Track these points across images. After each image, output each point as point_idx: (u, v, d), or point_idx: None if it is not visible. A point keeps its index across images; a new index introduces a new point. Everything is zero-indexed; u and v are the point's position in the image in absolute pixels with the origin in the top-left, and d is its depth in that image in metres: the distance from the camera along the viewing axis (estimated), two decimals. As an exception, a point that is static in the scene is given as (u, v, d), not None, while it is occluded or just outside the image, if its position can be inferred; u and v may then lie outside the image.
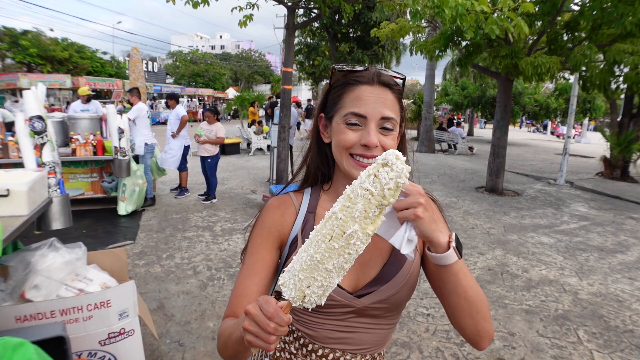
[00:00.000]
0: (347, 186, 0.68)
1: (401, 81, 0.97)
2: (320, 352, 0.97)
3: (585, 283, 4.37)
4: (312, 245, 0.67)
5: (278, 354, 1.03)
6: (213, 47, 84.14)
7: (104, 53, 34.18)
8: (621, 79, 7.27)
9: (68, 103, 20.92)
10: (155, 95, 30.85)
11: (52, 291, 2.18)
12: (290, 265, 0.71)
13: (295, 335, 1.01)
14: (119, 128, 5.50)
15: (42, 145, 2.69)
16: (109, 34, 46.69)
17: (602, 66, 7.20)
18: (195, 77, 45.44)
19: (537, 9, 6.88)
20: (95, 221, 5.71)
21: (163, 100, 28.56)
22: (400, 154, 0.66)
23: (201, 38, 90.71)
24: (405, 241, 0.73)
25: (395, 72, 0.96)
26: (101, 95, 26.60)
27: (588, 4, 6.72)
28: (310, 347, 0.98)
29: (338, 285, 0.88)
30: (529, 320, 3.50)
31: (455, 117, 24.87)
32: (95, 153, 5.90)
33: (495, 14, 4.56)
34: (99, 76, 28.27)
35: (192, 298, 3.62)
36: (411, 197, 0.74)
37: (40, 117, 2.66)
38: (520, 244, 5.51)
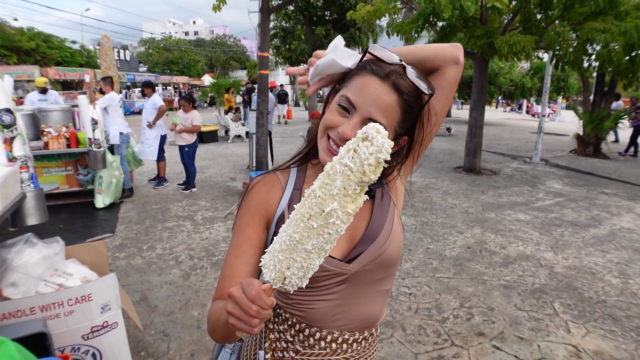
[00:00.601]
0: (328, 164, 0.65)
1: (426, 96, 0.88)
2: (317, 335, 0.96)
3: (560, 257, 4.51)
4: (291, 224, 0.65)
5: (274, 344, 1.01)
6: (187, 33, 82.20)
7: (73, 42, 33.07)
8: (593, 57, 7.42)
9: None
10: (128, 84, 30.06)
11: (30, 288, 2.14)
12: (270, 246, 0.70)
13: (290, 323, 0.99)
14: (93, 119, 5.36)
15: (12, 139, 2.61)
16: (77, 22, 45.09)
17: (575, 44, 7.32)
18: (169, 65, 44.43)
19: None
20: (72, 215, 5.59)
21: (137, 89, 27.92)
22: (381, 127, 0.61)
23: (174, 24, 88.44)
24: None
25: (424, 83, 0.86)
26: (72, 85, 25.82)
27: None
28: (307, 331, 0.97)
29: (329, 255, 0.89)
30: (507, 295, 3.61)
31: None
32: (68, 145, 5.74)
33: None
34: (69, 66, 27.38)
35: (175, 288, 3.60)
36: None
37: (8, 110, 2.57)
38: (498, 221, 5.64)
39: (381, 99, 0.83)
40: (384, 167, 0.61)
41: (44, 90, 8.05)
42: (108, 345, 2.34)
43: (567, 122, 25.58)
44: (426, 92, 0.86)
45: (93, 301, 2.21)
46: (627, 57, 6.90)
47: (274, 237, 0.70)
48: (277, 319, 1.03)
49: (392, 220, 0.98)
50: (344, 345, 0.98)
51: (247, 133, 12.95)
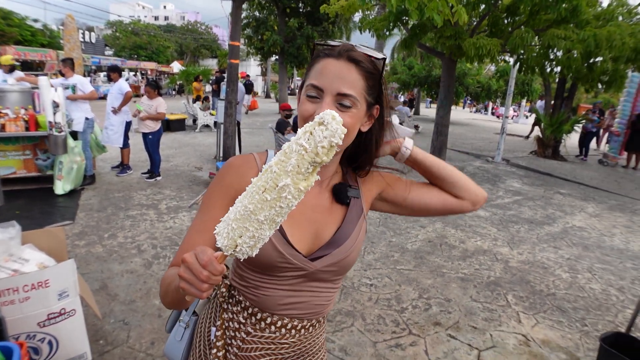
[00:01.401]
0: (286, 143, 0.69)
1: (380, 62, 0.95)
2: (268, 320, 1.00)
3: (516, 252, 4.73)
4: (247, 196, 0.68)
5: (227, 324, 1.05)
6: (156, 18, 79.88)
7: (35, 21, 31.48)
8: (554, 62, 7.74)
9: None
10: (93, 67, 28.98)
11: (-18, 272, 2.07)
12: (225, 215, 0.71)
13: (243, 305, 1.02)
14: (54, 102, 5.18)
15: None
16: (40, 0, 42.96)
17: (538, 50, 7.61)
18: (137, 50, 43.11)
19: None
20: (30, 201, 5.39)
21: (102, 74, 26.96)
22: (337, 115, 0.66)
23: (143, 8, 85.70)
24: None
25: (374, 51, 0.94)
26: (33, 67, 24.65)
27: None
28: (258, 315, 1.01)
29: (294, 248, 0.94)
30: (463, 287, 3.76)
31: (403, 96, 25.43)
32: (27, 129, 5.52)
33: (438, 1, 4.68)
34: (30, 46, 26.10)
35: (136, 277, 3.55)
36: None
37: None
38: (459, 217, 5.83)
39: (342, 73, 0.88)
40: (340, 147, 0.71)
41: (11, 69, 7.67)
42: (65, 333, 2.30)
43: (528, 124, 26.52)
44: (378, 57, 0.94)
45: (50, 287, 2.16)
46: (586, 64, 7.24)
47: (230, 208, 0.72)
48: (231, 300, 1.06)
49: (359, 232, 1.03)
50: (292, 331, 1.03)
51: (215, 123, 12.79)
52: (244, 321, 1.03)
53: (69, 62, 6.30)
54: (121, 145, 6.67)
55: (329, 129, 0.64)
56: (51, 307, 2.20)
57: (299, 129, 0.68)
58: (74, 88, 6.04)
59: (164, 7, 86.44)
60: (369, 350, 2.76)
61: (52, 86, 5.40)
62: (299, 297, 1.00)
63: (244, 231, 0.67)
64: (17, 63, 8.30)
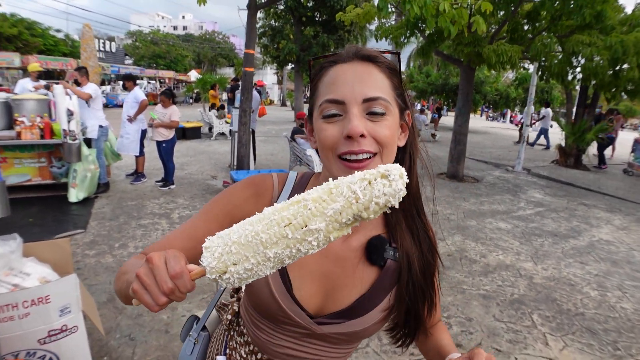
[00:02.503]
0: (331, 179, 0.58)
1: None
2: None
3: (540, 267, 4.50)
4: (263, 222, 0.56)
5: (231, 353, 0.96)
6: (175, 28, 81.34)
7: (57, 31, 32.40)
8: (578, 69, 7.49)
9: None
10: (112, 76, 29.49)
11: (-19, 287, 1.99)
12: (226, 231, 0.59)
13: (245, 339, 0.93)
14: (68, 110, 5.18)
15: None
16: (63, 11, 44.18)
17: (560, 56, 7.38)
18: (155, 59, 43.84)
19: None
20: (43, 209, 5.38)
21: (121, 82, 27.41)
22: (405, 173, 0.56)
23: (163, 18, 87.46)
24: None
25: (383, 49, 0.82)
26: (54, 75, 25.18)
27: (548, -5, 6.85)
28: (259, 355, 0.91)
29: (299, 305, 0.79)
30: (485, 305, 3.56)
31: (420, 104, 25.21)
32: (42, 136, 5.53)
33: (455, 9, 4.54)
34: (52, 55, 26.73)
35: (146, 289, 3.45)
36: None
37: None
38: (479, 229, 5.62)
39: (361, 75, 0.73)
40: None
41: (38, 76, 7.79)
42: (67, 350, 2.20)
43: (551, 132, 25.97)
44: (392, 51, 0.82)
45: (51, 303, 2.07)
46: (611, 71, 6.98)
47: (234, 225, 0.60)
48: (237, 329, 0.97)
49: (387, 304, 0.83)
50: None
51: (230, 131, 12.79)
52: (245, 356, 0.92)
53: (83, 71, 6.31)
54: (137, 154, 6.65)
55: (392, 186, 0.54)
56: (52, 324, 2.10)
57: (356, 172, 0.57)
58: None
59: (183, 17, 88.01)
60: (385, 374, 2.59)
61: (67, 94, 5.41)
62: (302, 351, 0.86)
63: (243, 260, 0.56)
64: (44, 70, 8.47)
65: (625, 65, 6.86)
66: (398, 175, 0.55)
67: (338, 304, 0.82)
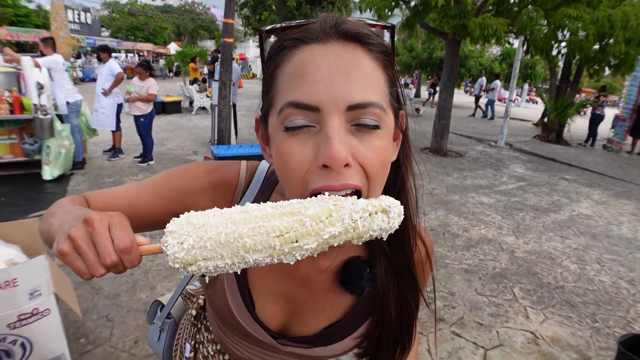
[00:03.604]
0: (327, 199, 0.51)
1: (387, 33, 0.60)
2: None
3: (521, 242, 4.54)
4: (249, 226, 0.49)
5: (199, 347, 0.90)
6: (153, -2, 78.49)
7: (29, 1, 30.89)
8: (563, 44, 7.43)
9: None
10: (88, 49, 28.44)
11: (-58, 269, 1.88)
12: (198, 219, 0.50)
13: (212, 337, 0.87)
14: (38, 83, 4.93)
15: None
16: (33, -22, 41.97)
17: (546, 30, 7.30)
18: (133, 31, 42.30)
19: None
20: (16, 187, 5.17)
21: (95, 56, 26.51)
22: (402, 211, 0.52)
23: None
24: None
25: (372, 20, 0.59)
26: (26, 48, 24.15)
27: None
28: (227, 356, 0.84)
29: (260, 324, 0.70)
30: (468, 280, 3.57)
31: (402, 78, 25.01)
32: (12, 112, 5.27)
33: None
34: (24, 27, 25.56)
35: (124, 267, 3.36)
36: None
37: None
38: (462, 204, 5.64)
39: (345, 67, 0.51)
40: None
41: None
42: (39, 334, 2.12)
43: (531, 108, 26.22)
44: (386, 24, 0.60)
45: (19, 287, 1.97)
46: (597, 46, 6.94)
47: (212, 220, 0.50)
48: (205, 322, 0.90)
49: (360, 332, 0.72)
50: None
51: (211, 105, 12.50)
52: (213, 354, 0.85)
53: (49, 42, 5.90)
54: (113, 129, 6.42)
55: (390, 223, 0.52)
56: (22, 308, 2.01)
57: (361, 200, 0.51)
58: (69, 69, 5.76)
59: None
60: (368, 350, 2.58)
61: (37, 66, 5.13)
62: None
63: (217, 258, 0.49)
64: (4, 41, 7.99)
65: (611, 40, 6.83)
66: (397, 213, 0.52)
67: (304, 329, 0.73)
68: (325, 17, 0.55)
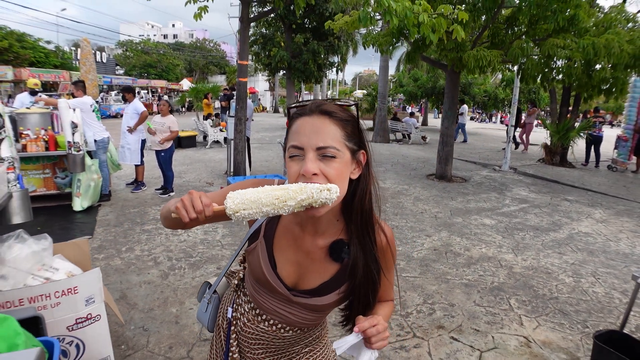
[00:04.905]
0: (304, 183, 0.92)
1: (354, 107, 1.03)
2: (264, 316, 1.19)
3: (520, 258, 4.83)
4: (264, 193, 0.91)
5: (237, 307, 1.28)
6: (165, 37, 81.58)
7: (48, 42, 32.50)
8: (555, 71, 7.87)
9: (10, 96, 19.84)
10: (105, 87, 29.68)
11: (19, 281, 2.27)
12: (242, 191, 0.91)
13: (247, 299, 1.25)
14: (72, 122, 5.45)
15: (0, 140, 2.74)
16: (53, 22, 44.21)
17: (538, 59, 7.76)
18: (147, 68, 44.01)
19: (479, 4, 7.33)
20: (49, 218, 5.63)
21: (113, 93, 27.65)
22: (338, 190, 0.91)
23: (152, 27, 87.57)
24: (371, 358, 1.02)
25: (346, 100, 1.03)
26: (47, 87, 25.36)
27: (526, 2, 7.21)
28: (257, 310, 1.21)
29: (279, 278, 1.12)
30: (467, 293, 3.88)
31: (409, 107, 25.64)
32: (47, 148, 5.80)
33: (434, 18, 4.88)
34: (43, 67, 26.89)
35: (154, 287, 3.74)
36: (381, 334, 0.98)
37: (-2, 114, 2.70)
38: (464, 225, 5.95)
39: (316, 127, 0.95)
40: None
41: (33, 92, 8.07)
42: (91, 337, 2.48)
43: (537, 132, 26.48)
44: (350, 103, 1.03)
45: (78, 294, 2.35)
46: (585, 72, 7.36)
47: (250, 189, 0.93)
48: (243, 290, 1.29)
49: (341, 291, 1.10)
50: (282, 331, 1.19)
51: (225, 139, 13.07)
52: (248, 310, 1.24)
53: (80, 85, 6.52)
54: (138, 163, 6.93)
55: (331, 195, 0.91)
56: (79, 312, 2.38)
57: (316, 183, 0.92)
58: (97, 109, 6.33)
59: (173, 25, 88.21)
60: (375, 352, 2.90)
61: (70, 107, 5.67)
62: (286, 311, 1.16)
63: (249, 208, 0.90)
64: (39, 89, 8.68)
65: (598, 66, 7.24)
66: (335, 191, 0.91)
67: (307, 284, 1.12)
68: (314, 101, 1.01)
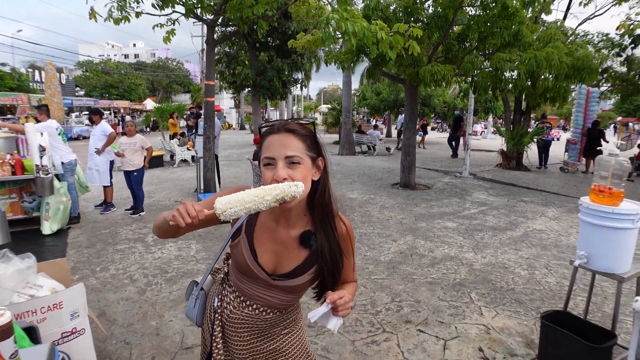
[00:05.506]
0: (274, 184, 1.15)
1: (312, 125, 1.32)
2: (248, 302, 1.41)
3: (480, 256, 5.18)
4: (246, 194, 1.13)
5: (223, 297, 1.48)
6: (126, 56, 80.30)
7: (3, 64, 31.55)
8: (503, 83, 8.44)
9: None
10: (65, 109, 28.93)
11: (4, 299, 2.36)
12: (230, 195, 1.14)
13: (232, 289, 1.46)
14: (40, 146, 5.47)
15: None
16: (8, 44, 42.90)
17: (488, 72, 8.32)
18: (108, 89, 43.17)
19: (432, 23, 7.84)
20: (18, 243, 5.55)
21: (74, 115, 27.06)
22: (302, 186, 1.14)
23: (112, 46, 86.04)
24: (337, 324, 1.25)
25: (306, 119, 1.33)
26: (3, 111, 24.53)
27: (475, 19, 7.76)
28: (242, 298, 1.42)
29: (260, 265, 1.35)
30: (432, 290, 4.16)
31: (373, 120, 26.29)
32: (13, 173, 5.77)
33: (391, 36, 5.25)
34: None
35: (132, 303, 3.83)
36: (347, 304, 1.23)
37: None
38: (428, 229, 6.29)
39: (283, 142, 1.21)
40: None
41: None
42: (77, 350, 2.58)
43: (497, 139, 27.66)
44: (307, 122, 1.32)
45: (63, 309, 2.46)
46: (530, 83, 7.96)
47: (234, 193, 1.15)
48: (228, 282, 1.51)
49: (312, 272, 1.34)
50: (264, 313, 1.41)
51: (192, 157, 13.10)
52: (233, 299, 1.45)
53: (44, 109, 6.51)
54: (107, 184, 6.94)
55: (297, 190, 1.13)
56: (64, 327, 2.49)
57: (285, 182, 1.15)
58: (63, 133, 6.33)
59: (134, 45, 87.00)
60: (348, 348, 3.11)
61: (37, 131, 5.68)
62: (266, 295, 1.38)
63: (234, 206, 1.11)
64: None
65: (542, 77, 7.87)
66: (300, 186, 1.14)
67: (283, 269, 1.35)
68: (280, 122, 1.26)
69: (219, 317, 1.46)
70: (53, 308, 2.42)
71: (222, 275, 1.53)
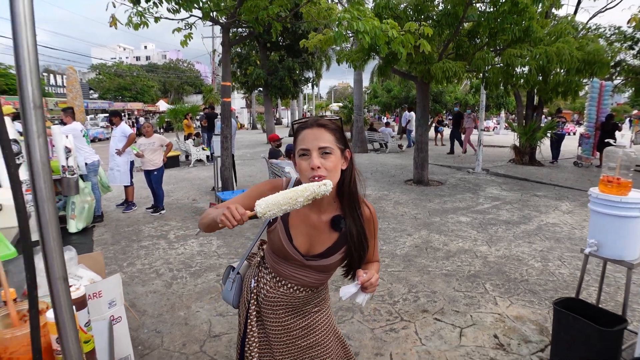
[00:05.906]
0: (307, 183, 1.28)
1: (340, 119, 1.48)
2: (283, 282, 1.56)
3: (494, 249, 5.28)
4: (280, 196, 1.26)
5: (259, 279, 1.64)
6: (138, 59, 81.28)
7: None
8: (514, 78, 8.49)
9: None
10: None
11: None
12: (266, 198, 1.26)
13: (269, 270, 1.61)
14: (66, 147, 5.70)
15: (19, 165, 3.04)
16: (22, 50, 43.50)
17: (499, 68, 8.37)
18: (121, 91, 43.81)
19: (442, 20, 7.92)
20: (46, 240, 5.81)
21: (88, 117, 27.55)
22: (331, 184, 1.25)
23: (124, 49, 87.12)
24: (365, 299, 1.42)
25: (332, 116, 1.47)
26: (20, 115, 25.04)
27: (485, 16, 7.83)
28: (277, 278, 1.58)
29: (295, 247, 1.50)
30: (447, 281, 4.28)
31: (384, 118, 26.32)
32: (41, 174, 6.00)
33: (402, 35, 5.37)
34: (16, 94, 26.53)
35: (160, 296, 4.02)
36: (374, 283, 1.39)
37: (15, 141, 3.00)
38: (442, 224, 6.40)
39: (316, 135, 1.36)
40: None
41: (16, 117, 8.23)
42: (114, 337, 2.76)
43: (510, 134, 27.51)
44: (336, 118, 1.47)
45: (102, 297, 2.65)
46: (541, 78, 8.00)
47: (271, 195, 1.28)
48: (264, 264, 1.66)
49: (342, 252, 1.49)
50: (297, 292, 1.56)
51: (207, 157, 13.35)
52: (269, 280, 1.61)
53: (69, 112, 6.80)
54: (128, 184, 7.17)
55: (327, 189, 1.25)
56: (103, 314, 2.67)
57: (314, 182, 1.28)
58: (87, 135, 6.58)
59: (145, 47, 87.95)
60: (368, 335, 3.26)
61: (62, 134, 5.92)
62: (300, 274, 1.54)
63: (272, 209, 1.24)
64: (16, 110, 8.78)
65: (553, 72, 7.91)
66: (330, 185, 1.25)
67: (316, 250, 1.51)
68: (312, 118, 1.41)
69: (255, 297, 1.62)
70: (93, 297, 2.60)
71: (258, 259, 1.69)
